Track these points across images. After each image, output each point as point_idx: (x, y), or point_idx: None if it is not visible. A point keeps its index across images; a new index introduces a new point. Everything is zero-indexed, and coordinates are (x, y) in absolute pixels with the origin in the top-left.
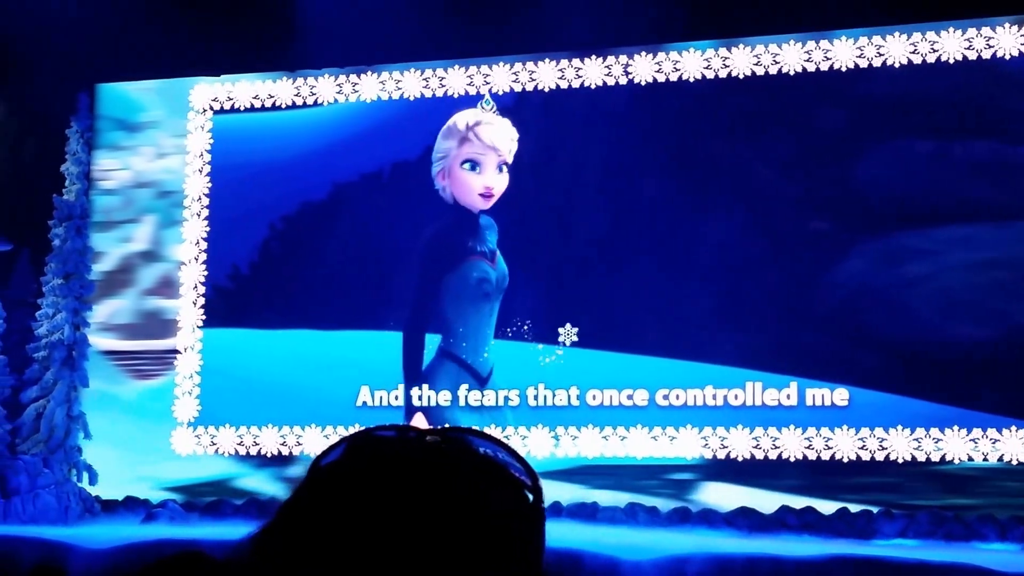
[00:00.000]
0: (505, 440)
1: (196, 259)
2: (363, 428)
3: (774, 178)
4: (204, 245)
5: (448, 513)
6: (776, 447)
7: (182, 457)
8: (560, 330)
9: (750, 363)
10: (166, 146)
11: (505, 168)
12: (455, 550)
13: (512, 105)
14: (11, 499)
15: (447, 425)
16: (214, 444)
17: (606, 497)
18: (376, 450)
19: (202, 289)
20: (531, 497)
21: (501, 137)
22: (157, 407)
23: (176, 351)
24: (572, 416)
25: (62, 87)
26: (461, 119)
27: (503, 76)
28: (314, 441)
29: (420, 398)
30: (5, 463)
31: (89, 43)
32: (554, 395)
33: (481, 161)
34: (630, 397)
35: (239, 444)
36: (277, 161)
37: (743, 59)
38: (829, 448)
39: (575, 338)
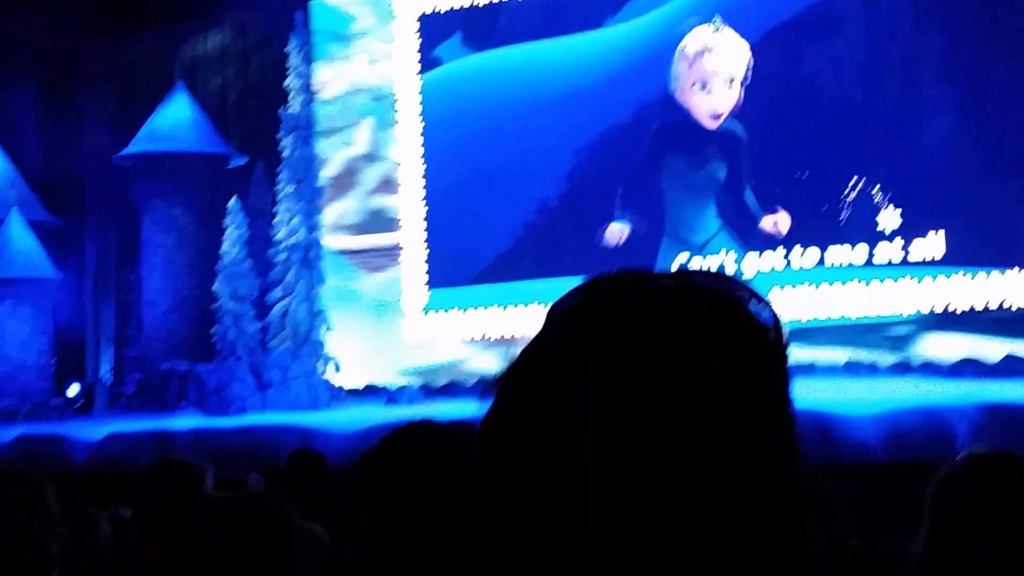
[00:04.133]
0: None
1: (413, 156)
2: (599, 273)
3: None
4: (421, 141)
5: (687, 350)
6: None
7: (415, 344)
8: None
9: None
10: (377, 52)
11: (736, 83)
12: (696, 386)
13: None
14: (266, 391)
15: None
16: (444, 329)
17: (824, 355)
18: (613, 293)
19: (422, 182)
20: (772, 335)
21: (725, 60)
22: (389, 298)
23: (400, 245)
24: (782, 278)
25: (279, 7)
26: (692, 43)
27: None
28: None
29: None
30: (258, 359)
31: None
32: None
33: (709, 80)
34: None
35: (468, 328)
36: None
37: None
38: None
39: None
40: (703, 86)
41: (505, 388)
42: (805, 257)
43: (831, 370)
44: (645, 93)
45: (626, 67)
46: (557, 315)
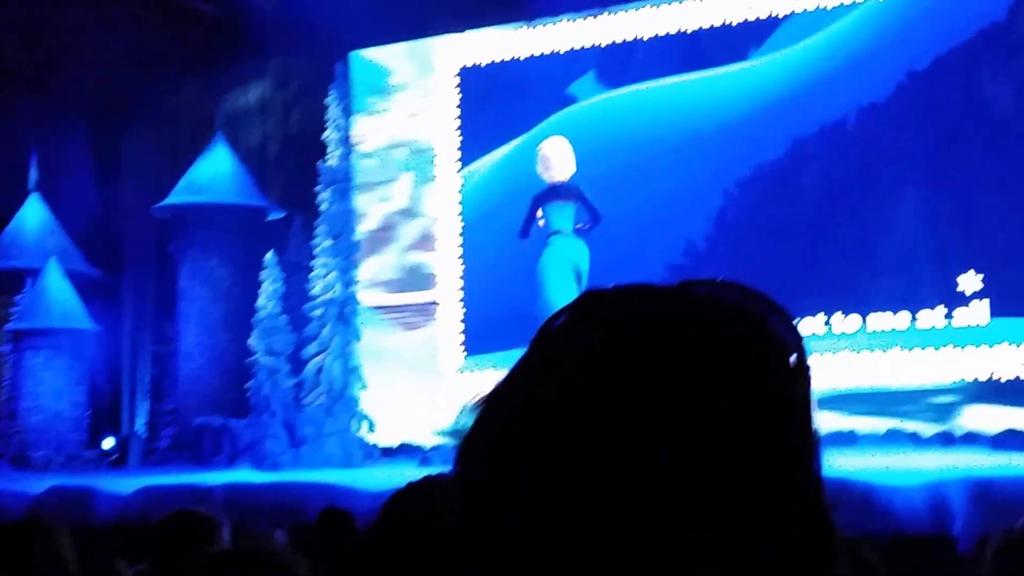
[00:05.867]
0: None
1: (451, 212)
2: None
3: None
4: (459, 198)
5: (690, 367)
6: None
7: (449, 404)
8: None
9: None
10: (416, 106)
11: None
12: (703, 410)
13: None
14: (299, 447)
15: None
16: (479, 388)
17: (865, 424)
18: (608, 308)
19: (459, 240)
20: (794, 357)
21: None
22: (425, 356)
23: (436, 302)
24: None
25: (319, 60)
26: None
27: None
28: None
29: None
30: (292, 415)
31: (340, 15)
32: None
33: None
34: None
35: None
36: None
37: None
38: None
39: None
40: None
41: (490, 411)
42: (847, 322)
43: (872, 439)
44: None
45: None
46: (547, 334)
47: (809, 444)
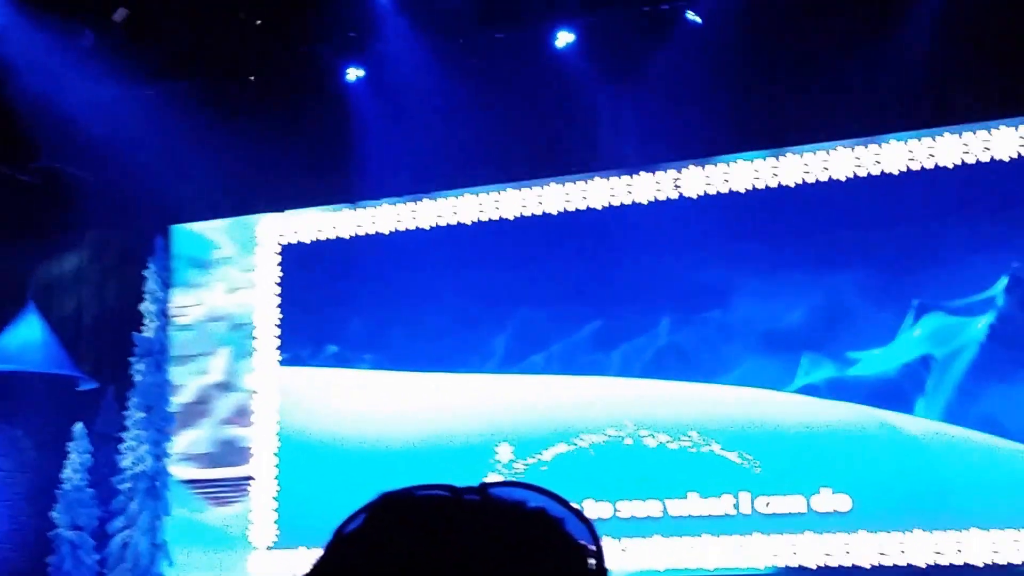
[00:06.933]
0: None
1: (268, 387)
2: (393, 490)
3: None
4: (276, 371)
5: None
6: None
7: None
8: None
9: None
10: (237, 280)
11: None
12: None
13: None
14: None
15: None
16: (292, 567)
17: None
18: (404, 512)
19: (276, 416)
20: (593, 562)
21: None
22: (235, 533)
23: (250, 477)
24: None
25: (138, 232)
26: None
27: (556, 196)
28: None
29: None
30: None
31: (162, 188)
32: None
33: None
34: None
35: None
36: (343, 287)
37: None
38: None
39: None
40: None
41: None
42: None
43: None
44: None
45: None
46: (340, 540)
47: None
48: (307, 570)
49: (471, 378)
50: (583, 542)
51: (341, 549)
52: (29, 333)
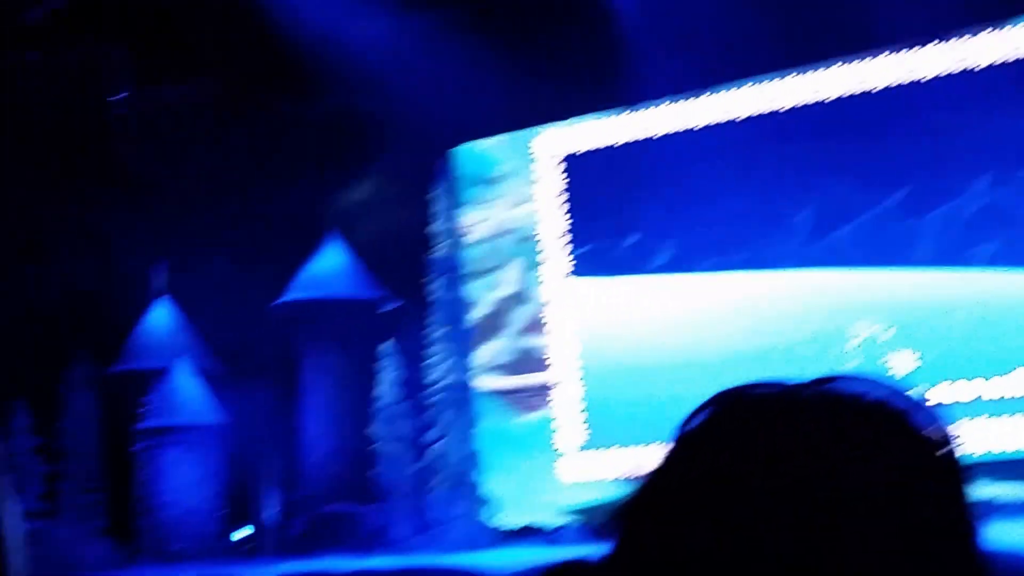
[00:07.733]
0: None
1: (560, 296)
2: (730, 388)
3: None
4: (568, 281)
5: (833, 473)
6: None
7: (571, 483)
8: None
9: None
10: (521, 193)
11: None
12: (843, 516)
13: None
14: (425, 532)
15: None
16: (605, 466)
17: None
18: (747, 409)
19: (572, 324)
20: (942, 450)
21: None
22: (542, 437)
23: (551, 385)
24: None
25: (424, 155)
26: None
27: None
28: None
29: None
30: (417, 500)
31: (441, 112)
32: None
33: None
34: None
35: (629, 465)
36: (629, 192)
37: None
38: None
39: None
40: None
41: (632, 521)
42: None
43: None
44: None
45: None
46: (684, 438)
47: (966, 535)
48: (654, 465)
49: (761, 275)
50: (933, 430)
51: (688, 446)
52: (333, 260)
